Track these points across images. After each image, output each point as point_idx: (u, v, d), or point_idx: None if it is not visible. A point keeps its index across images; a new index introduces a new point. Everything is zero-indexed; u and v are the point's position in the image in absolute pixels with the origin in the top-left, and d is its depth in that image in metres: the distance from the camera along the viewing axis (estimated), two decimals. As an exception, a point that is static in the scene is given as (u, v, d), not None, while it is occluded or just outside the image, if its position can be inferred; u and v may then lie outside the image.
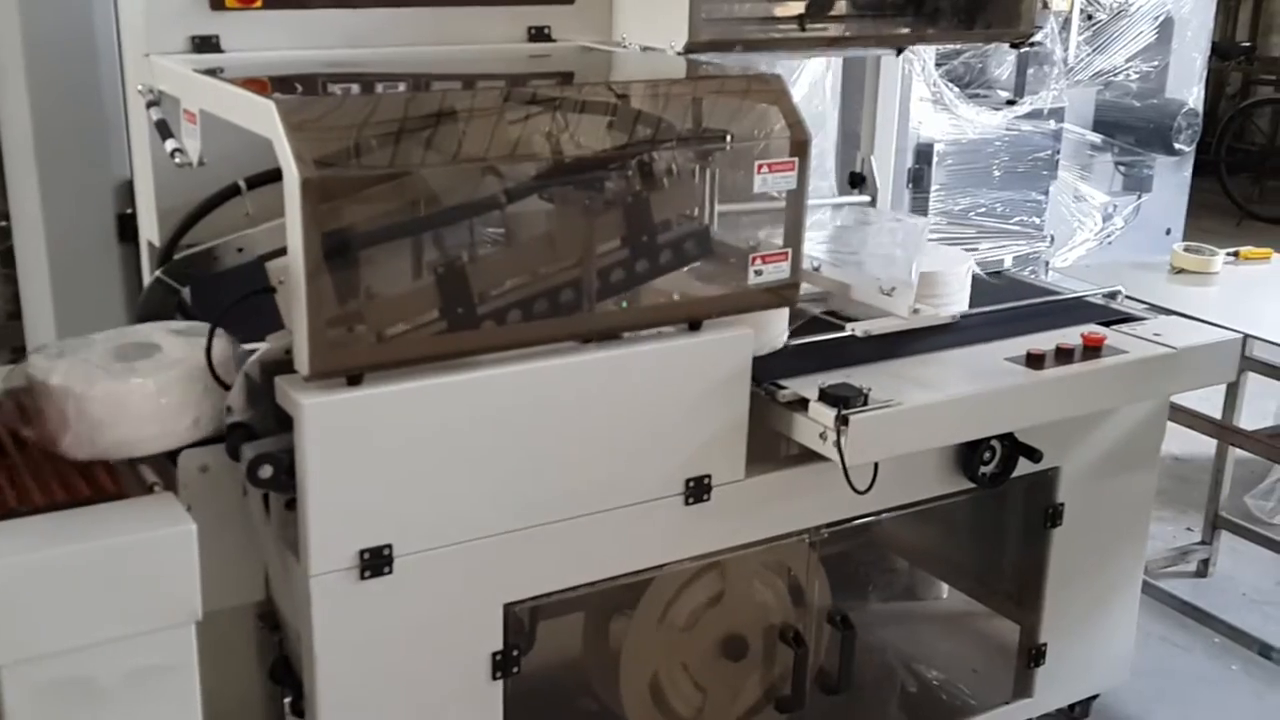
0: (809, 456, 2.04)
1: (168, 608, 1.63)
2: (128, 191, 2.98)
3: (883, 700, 2.62)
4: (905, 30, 2.66)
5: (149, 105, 2.11)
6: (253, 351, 1.83)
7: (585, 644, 2.27)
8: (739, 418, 2.03)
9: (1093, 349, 2.24)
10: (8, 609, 1.52)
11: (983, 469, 2.27)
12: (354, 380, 1.74)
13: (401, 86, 2.15)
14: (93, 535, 1.60)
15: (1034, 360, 2.19)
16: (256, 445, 1.75)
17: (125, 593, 1.59)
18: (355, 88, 2.06)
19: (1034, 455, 2.29)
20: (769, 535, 2.15)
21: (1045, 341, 2.24)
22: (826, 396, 1.96)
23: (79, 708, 1.60)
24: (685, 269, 2.02)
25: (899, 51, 2.68)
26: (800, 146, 1.99)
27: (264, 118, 1.67)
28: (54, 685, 1.59)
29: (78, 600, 1.57)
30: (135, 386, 1.73)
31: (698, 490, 2.02)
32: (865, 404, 1.97)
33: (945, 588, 2.93)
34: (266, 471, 1.74)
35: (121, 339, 1.85)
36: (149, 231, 2.25)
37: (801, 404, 2.01)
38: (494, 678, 1.93)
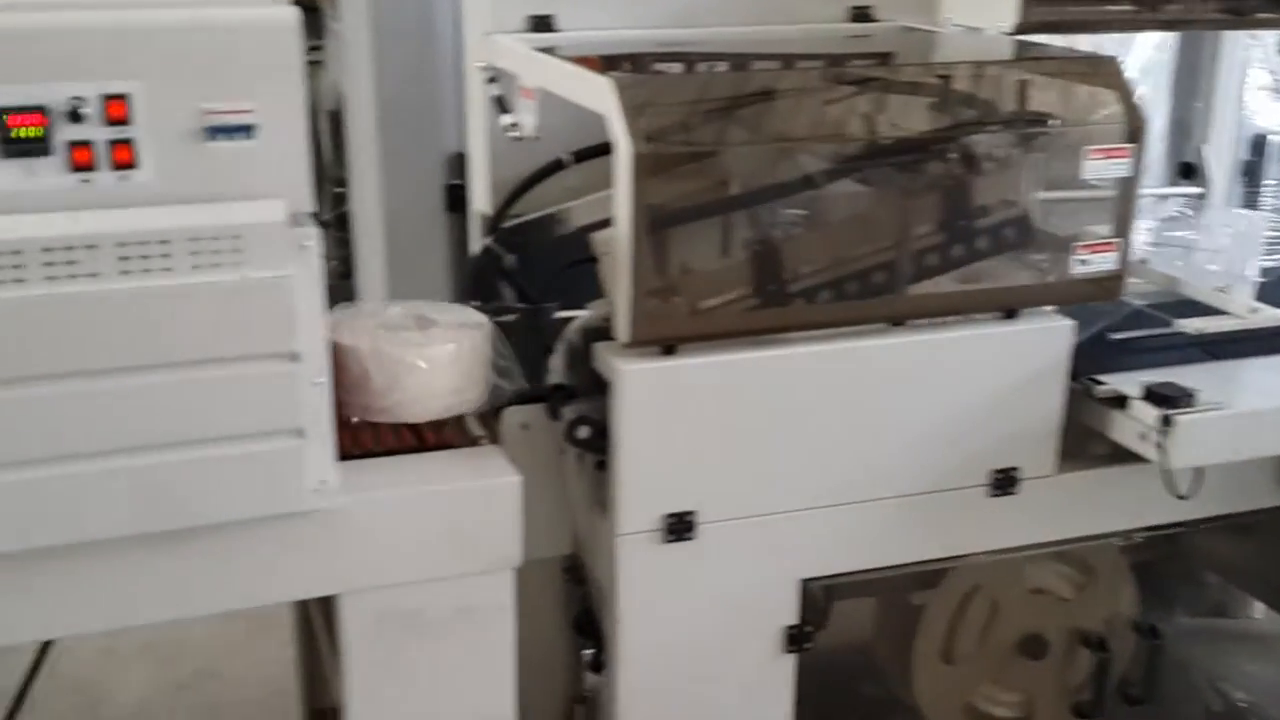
0: (1124, 456, 1.96)
1: (492, 552, 1.74)
2: (455, 164, 3.17)
3: (1185, 717, 2.48)
4: (1263, 14, 2.49)
5: (488, 81, 2.24)
6: (571, 318, 1.92)
7: (879, 628, 2.26)
8: (1052, 411, 1.97)
9: None
10: (356, 540, 1.67)
11: (1317, 483, 2.12)
12: (669, 350, 1.79)
13: (725, 66, 2.19)
14: (431, 480, 1.72)
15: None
16: (575, 407, 1.83)
17: (455, 535, 1.71)
18: (681, 66, 2.11)
19: (1378, 472, 2.11)
20: (1077, 535, 2.08)
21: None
22: (1152, 395, 1.88)
23: (406, 637, 1.74)
24: (1003, 255, 1.98)
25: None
26: (1135, 133, 1.91)
27: (600, 94, 1.75)
28: (386, 614, 1.72)
29: (414, 538, 1.70)
30: (445, 352, 1.79)
31: (1004, 482, 1.98)
32: (1192, 405, 1.87)
33: (1260, 607, 2.74)
34: (584, 432, 1.82)
35: (402, 308, 1.90)
36: (480, 202, 2.39)
37: (1120, 401, 1.93)
38: (786, 651, 1.96)
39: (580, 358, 1.86)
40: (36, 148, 1.41)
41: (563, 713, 2.12)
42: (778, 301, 1.85)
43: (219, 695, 2.87)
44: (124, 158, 1.45)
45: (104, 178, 1.45)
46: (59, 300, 1.42)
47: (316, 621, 2.23)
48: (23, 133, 1.41)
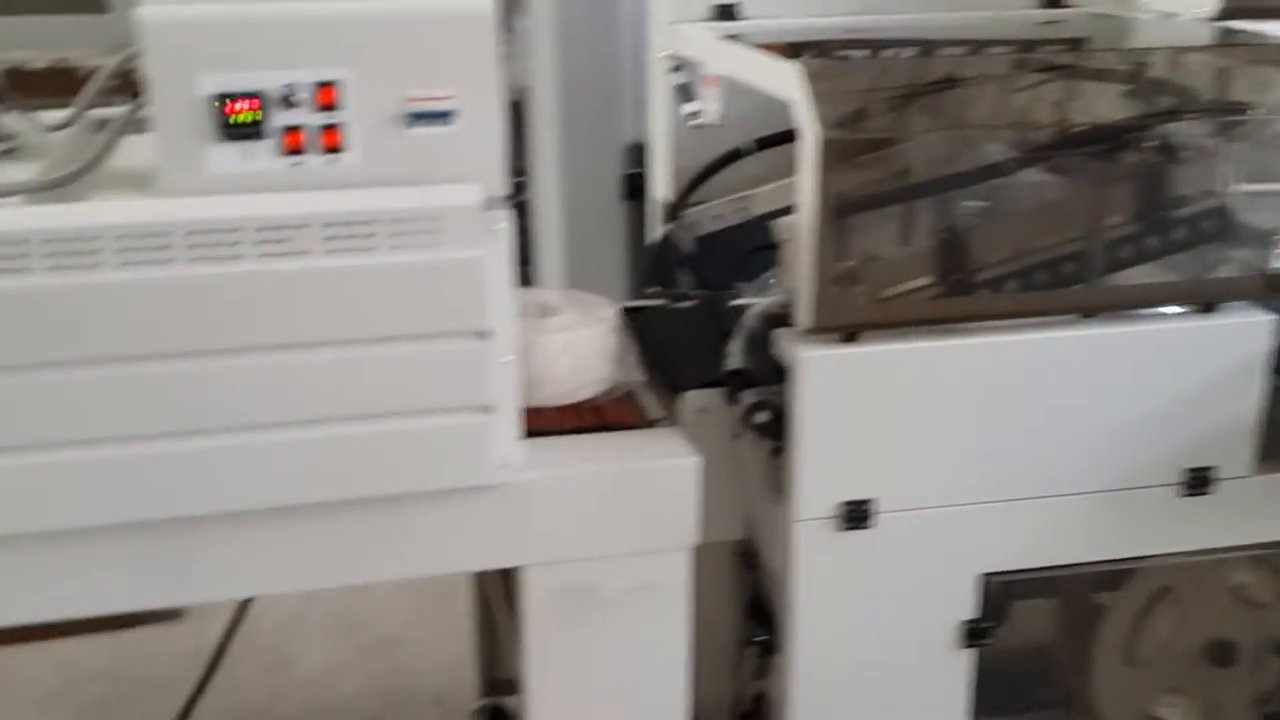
0: (1329, 458, 1.87)
1: (668, 532, 1.76)
2: (632, 154, 3.22)
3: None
4: None
5: (672, 70, 2.27)
6: (751, 305, 1.93)
7: (1060, 628, 2.21)
8: (1251, 408, 1.89)
9: None
10: (537, 515, 1.72)
11: None
12: (850, 337, 1.79)
13: (912, 52, 2.17)
14: (611, 458, 1.76)
15: None
16: (754, 392, 1.85)
17: (633, 513, 1.75)
18: (867, 53, 2.10)
19: None
20: (1276, 538, 1.99)
21: None
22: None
23: (584, 611, 1.78)
24: (1200, 248, 1.91)
25: None
26: (1351, 121, 1.82)
27: (787, 80, 1.75)
28: (566, 588, 1.77)
29: (593, 515, 1.74)
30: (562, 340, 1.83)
31: (1198, 482, 1.91)
32: None
33: None
34: (762, 417, 1.83)
35: (525, 295, 1.92)
36: (660, 190, 2.42)
37: (1326, 400, 1.85)
38: (963, 646, 1.93)
39: (759, 344, 1.87)
40: (252, 132, 1.50)
41: (732, 696, 2.13)
42: (963, 290, 1.83)
43: (400, 663, 2.99)
44: (332, 142, 1.53)
45: (313, 161, 1.53)
46: (271, 276, 1.51)
47: (494, 594, 2.31)
48: (240, 118, 1.49)
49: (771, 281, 1.96)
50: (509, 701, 2.66)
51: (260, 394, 1.56)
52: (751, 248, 2.01)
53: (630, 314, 2.24)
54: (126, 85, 1.70)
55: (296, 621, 3.11)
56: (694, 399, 1.91)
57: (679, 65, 2.26)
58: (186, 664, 2.35)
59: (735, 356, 1.91)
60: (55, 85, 2.05)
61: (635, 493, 1.74)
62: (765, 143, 2.14)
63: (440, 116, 1.54)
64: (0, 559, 1.57)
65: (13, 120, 1.75)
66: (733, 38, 2.10)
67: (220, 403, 1.55)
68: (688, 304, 2.09)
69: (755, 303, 1.92)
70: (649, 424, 1.86)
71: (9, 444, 1.50)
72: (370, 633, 3.11)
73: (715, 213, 2.27)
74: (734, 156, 2.23)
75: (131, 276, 1.47)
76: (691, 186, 2.28)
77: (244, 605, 2.32)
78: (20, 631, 2.85)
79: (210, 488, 1.58)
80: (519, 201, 3.55)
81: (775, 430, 1.84)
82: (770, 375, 1.86)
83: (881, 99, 1.82)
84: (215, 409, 1.55)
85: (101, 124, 1.72)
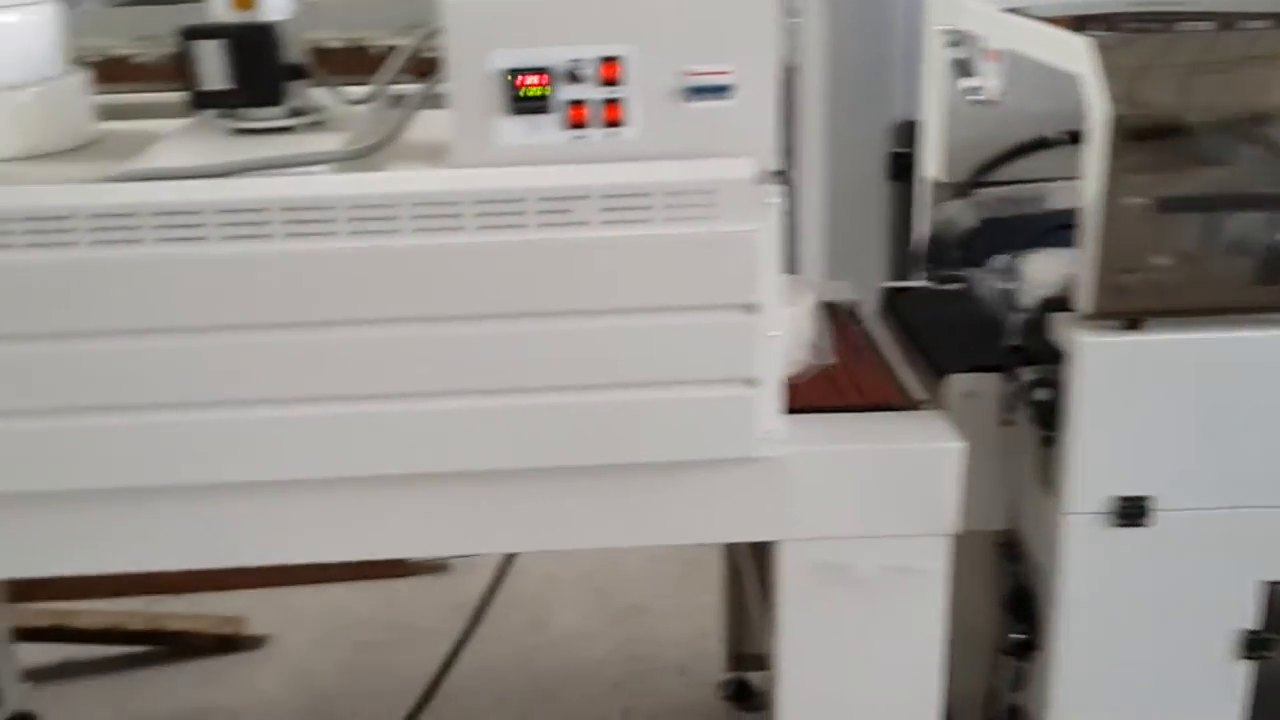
0: None
1: (929, 516, 1.73)
2: (900, 132, 3.16)
3: None
4: None
5: (949, 45, 2.21)
6: (1027, 287, 1.87)
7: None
8: None
9: None
10: (796, 490, 1.72)
11: None
12: (1132, 324, 1.71)
13: (1209, 26, 2.04)
14: (873, 438, 1.74)
15: None
16: (1034, 369, 1.79)
17: (893, 495, 1.72)
18: (1159, 26, 1.99)
19: None
20: None
21: None
22: None
23: (838, 590, 1.77)
24: None
25: None
26: None
27: (1075, 54, 1.68)
28: (820, 565, 1.76)
29: (852, 493, 1.73)
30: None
31: None
32: None
33: None
34: (1043, 394, 1.76)
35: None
36: (931, 168, 2.36)
37: None
38: (1241, 657, 1.82)
39: (1036, 329, 1.81)
40: (540, 106, 1.56)
41: (985, 695, 2.08)
42: (1260, 279, 1.71)
43: (647, 631, 3.05)
44: (613, 116, 1.56)
45: (595, 134, 1.57)
46: (551, 245, 1.56)
47: (745, 568, 2.33)
48: (529, 92, 1.55)
49: (1011, 266, 1.89)
50: (755, 677, 2.69)
51: (535, 358, 1.62)
52: (1040, 232, 1.94)
53: (894, 294, 2.21)
54: (414, 64, 1.80)
55: (551, 584, 3.22)
56: (959, 383, 1.86)
57: (957, 40, 2.20)
58: (449, 615, 2.47)
59: (1013, 336, 1.85)
60: (350, 63, 2.18)
61: (897, 474, 1.72)
62: (1078, 136, 2.06)
63: (718, 91, 1.56)
64: (350, 497, 1.68)
65: (320, 95, 1.87)
66: (1014, 11, 2.03)
67: (500, 365, 1.62)
68: (956, 286, 2.04)
69: (1032, 285, 1.86)
70: (912, 406, 1.83)
71: (368, 393, 1.60)
72: (620, 600, 3.19)
73: (1005, 195, 2.20)
74: (1041, 144, 2.15)
75: (424, 242, 1.55)
76: (988, 167, 2.22)
77: (508, 561, 2.42)
78: (301, 573, 3.08)
79: (485, 445, 1.66)
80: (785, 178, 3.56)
81: (1051, 412, 1.77)
82: (1045, 361, 1.80)
83: (1176, 76, 1.72)
84: (492, 372, 1.62)
85: (397, 99, 1.83)
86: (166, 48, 1.97)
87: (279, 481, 1.66)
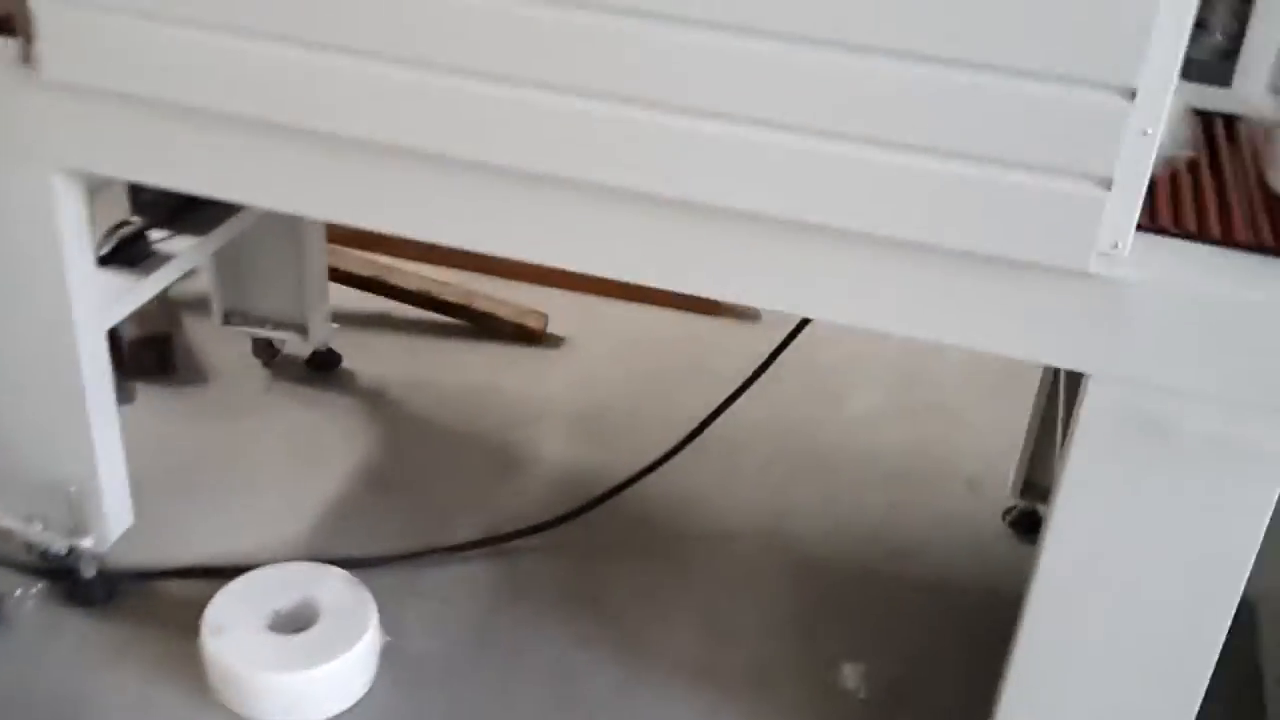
0: None
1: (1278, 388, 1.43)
2: None
3: None
4: None
5: None
6: None
7: None
8: None
9: None
10: (1132, 323, 1.45)
11: None
12: None
13: None
14: (1236, 282, 1.43)
15: None
16: None
17: (1241, 354, 1.43)
18: None
19: None
20: None
21: None
22: None
23: (1147, 449, 1.51)
24: None
25: None
26: None
27: None
28: (1134, 416, 1.50)
29: (1194, 342, 1.44)
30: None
31: None
32: None
33: None
34: None
35: None
36: None
37: None
38: None
39: None
40: None
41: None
42: None
43: (944, 434, 2.84)
44: None
45: None
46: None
47: (1065, 398, 2.07)
48: None
49: None
50: (1045, 511, 2.45)
51: (897, 110, 1.41)
52: None
53: None
54: None
55: (858, 363, 3.06)
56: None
57: None
58: (747, 364, 2.35)
59: None
60: None
61: (1250, 331, 1.42)
62: None
63: None
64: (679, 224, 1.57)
65: None
66: None
67: (867, 107, 1.42)
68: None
69: None
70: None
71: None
72: (924, 396, 2.98)
73: None
74: None
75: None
76: None
77: (802, 324, 2.27)
78: (614, 287, 3.05)
79: (844, 201, 1.48)
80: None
81: None
82: None
83: None
84: (863, 116, 1.43)
85: None
86: None
87: (624, 190, 1.55)
